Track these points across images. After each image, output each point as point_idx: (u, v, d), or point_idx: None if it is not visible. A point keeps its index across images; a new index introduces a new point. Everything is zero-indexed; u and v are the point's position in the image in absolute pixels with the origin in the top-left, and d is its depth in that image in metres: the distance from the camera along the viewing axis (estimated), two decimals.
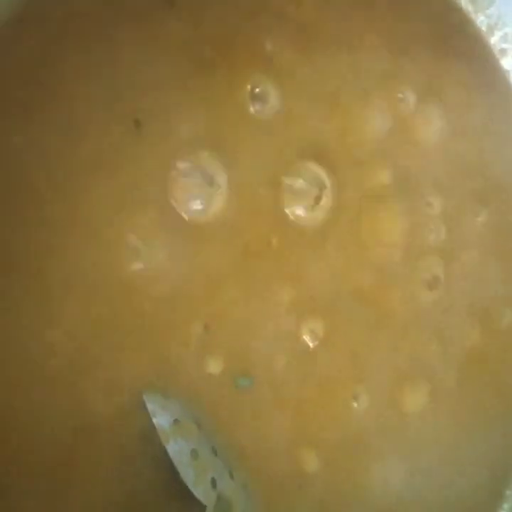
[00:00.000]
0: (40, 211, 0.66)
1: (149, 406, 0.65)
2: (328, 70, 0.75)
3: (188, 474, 0.64)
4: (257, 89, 0.72)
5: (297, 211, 0.74)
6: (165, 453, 0.64)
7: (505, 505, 0.82)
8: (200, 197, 0.70)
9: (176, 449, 0.64)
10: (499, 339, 0.82)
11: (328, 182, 0.74)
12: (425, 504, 0.78)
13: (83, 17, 0.66)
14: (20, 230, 0.66)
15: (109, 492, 0.66)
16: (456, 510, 0.80)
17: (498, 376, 0.82)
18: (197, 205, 0.70)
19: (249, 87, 0.72)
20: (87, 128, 0.66)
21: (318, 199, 0.74)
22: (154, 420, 0.64)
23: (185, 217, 0.69)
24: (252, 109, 0.72)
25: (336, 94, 0.76)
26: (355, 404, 0.76)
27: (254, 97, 0.71)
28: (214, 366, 0.70)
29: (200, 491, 0.64)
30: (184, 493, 0.64)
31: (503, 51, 0.85)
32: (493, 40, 0.84)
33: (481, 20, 0.84)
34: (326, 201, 0.74)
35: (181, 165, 0.69)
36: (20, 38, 0.64)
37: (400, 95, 0.79)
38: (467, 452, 0.80)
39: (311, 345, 0.74)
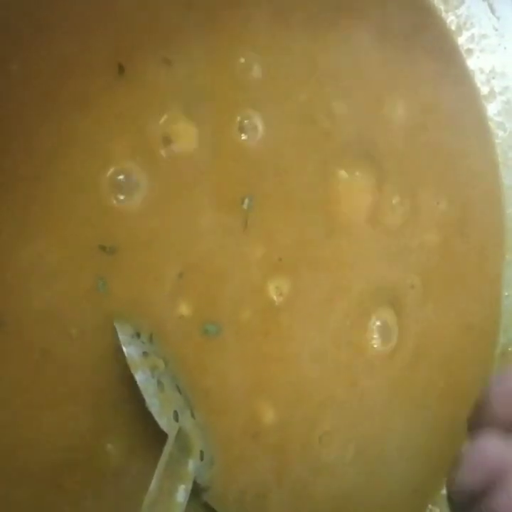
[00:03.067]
0: (28, 141, 0.68)
1: (120, 335, 0.68)
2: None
3: (153, 404, 0.68)
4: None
5: None
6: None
7: None
8: None
9: (144, 379, 0.68)
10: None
11: None
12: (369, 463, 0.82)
13: None
14: (7, 158, 0.67)
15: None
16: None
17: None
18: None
19: None
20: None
21: None
22: (124, 349, 0.68)
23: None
24: None
25: None
26: (312, 364, 0.79)
27: None
28: (184, 309, 0.74)
29: (164, 421, 0.68)
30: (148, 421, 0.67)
31: (470, 51, 0.92)
32: (461, 40, 0.92)
33: (450, 20, 0.90)
34: None
35: None
36: None
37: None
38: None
39: (276, 300, 0.77)
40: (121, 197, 0.72)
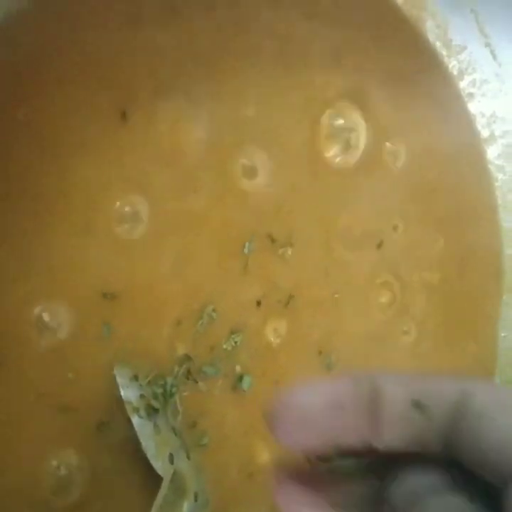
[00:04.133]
0: (34, 185, 0.70)
1: (119, 379, 0.69)
2: None
3: (149, 447, 0.69)
4: None
5: None
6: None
7: None
8: None
9: (140, 422, 0.69)
10: None
11: None
12: None
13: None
14: (12, 201, 0.69)
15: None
16: None
17: None
18: None
19: None
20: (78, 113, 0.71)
21: None
22: (122, 392, 0.69)
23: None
24: None
25: None
26: None
27: None
28: (183, 352, 0.76)
29: (159, 464, 0.69)
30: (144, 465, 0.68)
31: (471, 95, 0.94)
32: (462, 84, 0.94)
33: (452, 65, 0.92)
34: None
35: None
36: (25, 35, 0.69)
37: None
38: None
39: (273, 342, 0.79)
40: (123, 238, 0.73)
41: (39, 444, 0.72)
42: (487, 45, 0.92)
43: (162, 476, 0.70)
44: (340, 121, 0.85)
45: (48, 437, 0.72)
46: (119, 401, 0.71)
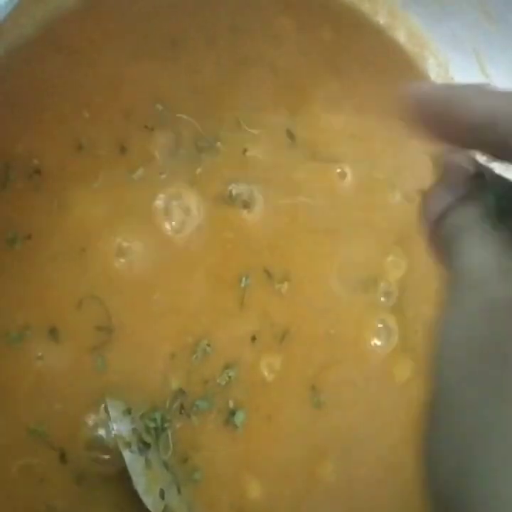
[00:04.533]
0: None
1: (111, 412, 0.70)
2: None
3: (140, 482, 0.69)
4: None
5: None
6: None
7: None
8: None
9: (132, 457, 0.69)
10: None
11: None
12: None
13: None
14: None
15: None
16: None
17: None
18: None
19: None
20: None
21: None
22: (114, 426, 0.69)
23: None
24: None
25: None
26: (300, 442, 0.80)
27: None
28: (176, 386, 0.75)
29: (150, 500, 0.69)
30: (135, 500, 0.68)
31: None
32: None
33: None
34: None
35: None
36: None
37: None
38: None
39: (267, 377, 0.79)
40: (119, 271, 0.74)
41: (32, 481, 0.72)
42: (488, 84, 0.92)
43: (152, 511, 0.70)
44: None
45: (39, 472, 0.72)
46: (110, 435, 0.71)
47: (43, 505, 0.72)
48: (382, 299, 0.87)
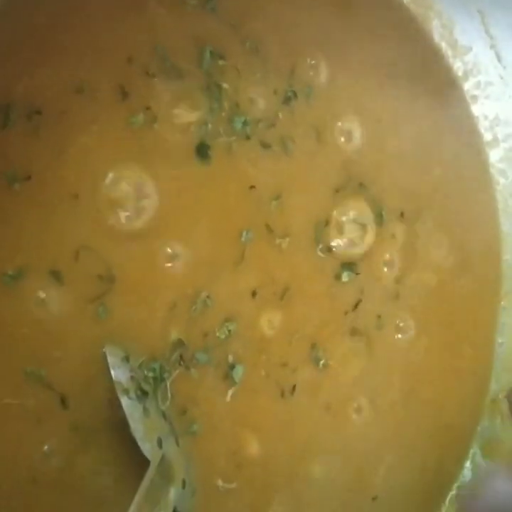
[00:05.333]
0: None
1: (110, 359, 0.70)
2: None
3: (137, 429, 0.70)
4: None
5: None
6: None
7: None
8: None
9: (130, 404, 0.69)
10: None
11: None
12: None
13: None
14: None
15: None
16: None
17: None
18: None
19: None
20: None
21: None
22: (112, 372, 0.70)
23: None
24: None
25: None
26: (300, 399, 0.80)
27: None
28: (176, 337, 0.76)
29: (147, 447, 0.69)
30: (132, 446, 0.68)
31: (474, 98, 0.95)
32: (466, 85, 0.94)
33: (457, 66, 0.92)
34: None
35: None
36: None
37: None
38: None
39: (267, 333, 0.79)
40: (123, 219, 0.74)
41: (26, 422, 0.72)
42: (492, 46, 0.93)
43: (150, 459, 0.70)
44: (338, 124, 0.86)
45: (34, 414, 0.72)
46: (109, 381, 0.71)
47: (39, 446, 0.72)
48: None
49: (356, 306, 0.86)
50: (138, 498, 0.67)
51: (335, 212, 0.84)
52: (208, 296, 0.78)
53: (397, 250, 0.89)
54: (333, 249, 0.84)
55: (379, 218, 0.87)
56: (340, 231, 0.85)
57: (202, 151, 0.78)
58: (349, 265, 0.85)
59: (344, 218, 0.85)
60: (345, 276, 0.85)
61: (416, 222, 0.90)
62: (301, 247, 0.83)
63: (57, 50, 0.71)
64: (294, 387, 0.82)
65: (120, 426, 0.72)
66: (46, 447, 0.73)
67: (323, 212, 0.85)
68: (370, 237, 0.87)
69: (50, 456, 0.73)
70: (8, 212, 0.70)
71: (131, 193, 0.75)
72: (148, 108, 0.76)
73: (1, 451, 0.72)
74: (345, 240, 0.85)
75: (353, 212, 0.86)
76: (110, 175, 0.74)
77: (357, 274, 0.85)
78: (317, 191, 0.85)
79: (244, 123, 0.79)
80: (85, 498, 0.73)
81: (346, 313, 0.86)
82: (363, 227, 0.86)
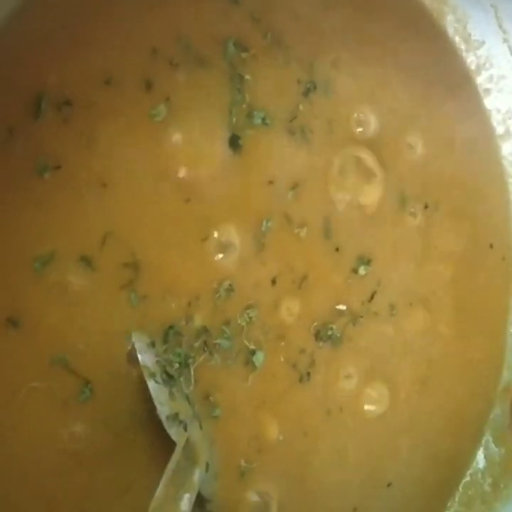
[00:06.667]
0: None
1: (137, 344, 0.72)
2: None
3: (164, 411, 0.72)
4: None
5: None
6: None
7: None
8: None
9: (156, 387, 0.72)
10: None
11: None
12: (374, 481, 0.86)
13: None
14: None
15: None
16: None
17: None
18: None
19: None
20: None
21: None
22: (139, 357, 0.73)
23: None
24: None
25: None
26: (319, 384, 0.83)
27: None
28: (199, 324, 0.79)
29: (173, 430, 0.72)
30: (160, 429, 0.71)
31: (487, 91, 0.97)
32: (479, 79, 0.97)
33: (470, 60, 0.95)
34: None
35: None
36: None
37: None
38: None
39: (286, 320, 0.81)
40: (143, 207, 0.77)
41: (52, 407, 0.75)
42: (505, 40, 0.95)
43: (175, 441, 0.72)
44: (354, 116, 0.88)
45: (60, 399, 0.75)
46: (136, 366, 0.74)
47: (66, 429, 0.74)
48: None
49: (372, 297, 0.88)
50: (164, 479, 0.70)
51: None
52: (230, 285, 0.80)
53: (413, 242, 0.92)
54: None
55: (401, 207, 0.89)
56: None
57: (234, 141, 0.80)
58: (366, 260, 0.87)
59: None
60: (362, 270, 0.87)
61: (431, 213, 0.92)
62: (317, 237, 0.85)
63: (86, 42, 0.74)
64: (308, 373, 0.84)
65: (145, 409, 0.74)
66: (73, 430, 0.75)
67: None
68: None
69: (77, 438, 0.75)
70: (38, 199, 0.73)
71: (155, 182, 0.77)
72: (167, 99, 0.78)
73: (28, 434, 0.74)
74: None
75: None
76: (137, 164, 0.76)
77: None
78: (333, 181, 0.87)
79: (264, 118, 0.82)
80: (113, 479, 0.76)
81: (362, 303, 0.88)
82: None
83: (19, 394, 0.73)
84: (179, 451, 0.72)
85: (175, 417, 0.74)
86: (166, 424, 0.73)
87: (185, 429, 0.74)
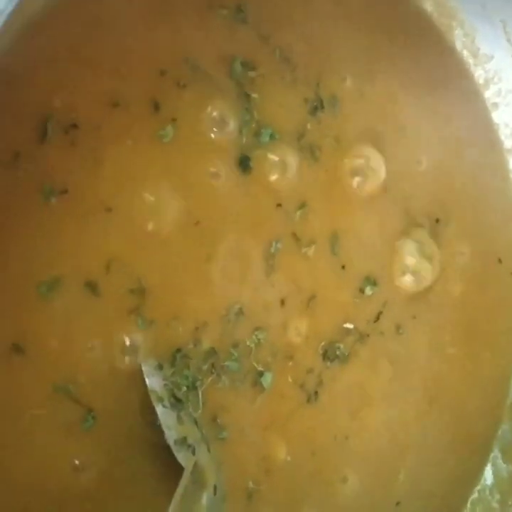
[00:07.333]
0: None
1: (144, 368, 0.71)
2: None
3: (171, 436, 0.71)
4: None
5: None
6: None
7: None
8: None
9: (164, 411, 0.71)
10: None
11: None
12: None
13: None
14: None
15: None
16: None
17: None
18: None
19: None
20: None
21: None
22: (147, 381, 0.72)
23: None
24: None
25: None
26: (326, 404, 0.83)
27: None
28: (207, 346, 0.79)
29: (181, 454, 0.71)
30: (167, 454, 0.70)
31: (495, 105, 0.97)
32: (488, 93, 0.96)
33: (478, 74, 0.94)
34: None
35: None
36: None
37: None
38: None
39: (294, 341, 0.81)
40: (154, 231, 0.76)
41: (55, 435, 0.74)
42: None
43: (184, 466, 0.72)
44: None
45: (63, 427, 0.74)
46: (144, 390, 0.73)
47: (70, 459, 0.74)
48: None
49: (378, 317, 0.88)
50: (173, 505, 0.69)
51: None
52: (239, 308, 0.80)
53: (421, 259, 0.91)
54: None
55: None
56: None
57: (244, 162, 0.79)
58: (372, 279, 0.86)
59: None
60: (368, 290, 0.86)
61: (439, 228, 0.91)
62: (324, 255, 0.85)
63: (93, 64, 0.73)
64: (316, 392, 0.84)
65: (153, 435, 0.74)
66: (77, 460, 0.74)
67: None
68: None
69: (83, 468, 0.74)
70: (44, 224, 0.72)
71: (162, 205, 0.76)
72: (174, 119, 0.77)
73: (31, 463, 0.73)
74: None
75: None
76: (143, 188, 0.76)
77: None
78: (340, 200, 0.86)
79: (272, 134, 0.81)
80: (120, 509, 0.75)
81: (368, 322, 0.87)
82: None
83: (21, 421, 0.72)
84: (187, 476, 0.72)
85: (183, 441, 0.73)
86: (174, 449, 0.72)
87: (194, 453, 0.74)
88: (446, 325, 0.92)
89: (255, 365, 0.81)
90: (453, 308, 0.92)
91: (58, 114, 0.72)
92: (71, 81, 0.73)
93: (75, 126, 0.73)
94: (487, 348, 0.96)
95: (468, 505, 0.96)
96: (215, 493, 0.76)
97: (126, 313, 0.75)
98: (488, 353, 0.96)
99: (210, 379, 0.79)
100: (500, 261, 0.96)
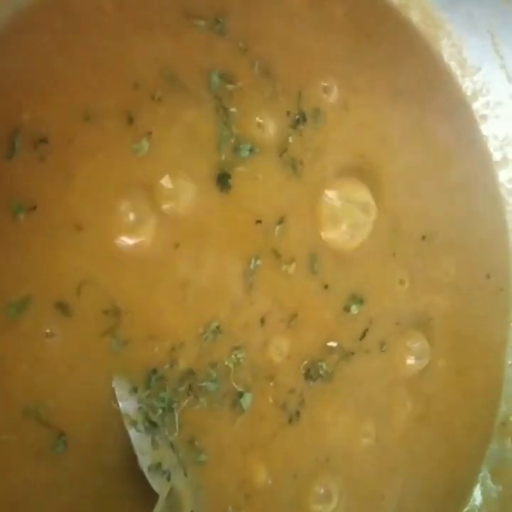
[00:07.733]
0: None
1: (118, 391, 0.69)
2: None
3: (145, 461, 0.69)
4: None
5: None
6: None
7: None
8: None
9: (138, 436, 0.69)
10: None
11: None
12: None
13: None
14: None
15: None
16: None
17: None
18: None
19: None
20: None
21: None
22: (120, 404, 0.69)
23: None
24: None
25: None
26: (308, 426, 0.80)
27: None
28: (183, 367, 0.76)
29: (155, 480, 0.68)
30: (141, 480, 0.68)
31: (484, 117, 0.95)
32: (476, 105, 0.94)
33: (466, 85, 0.92)
34: None
35: None
36: None
37: None
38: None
39: (274, 360, 0.78)
40: (127, 249, 0.73)
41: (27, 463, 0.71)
42: (502, 66, 0.93)
43: (158, 492, 0.69)
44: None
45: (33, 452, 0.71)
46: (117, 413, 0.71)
47: (40, 485, 0.71)
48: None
49: (364, 335, 0.85)
50: None
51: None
52: (217, 327, 0.77)
53: (408, 274, 0.88)
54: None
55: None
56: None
57: (222, 180, 0.77)
58: (358, 298, 0.84)
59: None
60: (354, 309, 0.84)
61: (426, 244, 0.89)
62: (305, 273, 0.82)
63: (64, 76, 0.71)
64: (297, 413, 0.81)
65: (125, 460, 0.71)
66: (48, 484, 0.71)
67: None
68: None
69: (53, 493, 0.71)
70: (12, 242, 0.70)
71: (136, 222, 0.74)
72: (150, 133, 0.75)
73: (2, 487, 0.70)
74: None
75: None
76: (116, 204, 0.73)
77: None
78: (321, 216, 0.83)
79: (251, 149, 0.78)
80: None
81: (354, 340, 0.85)
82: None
83: None
84: (161, 503, 0.69)
85: (157, 466, 0.71)
86: (148, 475, 0.70)
87: (169, 479, 0.71)
88: (435, 340, 0.89)
89: (234, 385, 0.78)
90: (442, 323, 0.90)
91: (27, 128, 0.70)
92: (40, 94, 0.70)
93: (44, 140, 0.70)
94: (477, 363, 0.94)
95: None
96: None
97: (99, 336, 0.72)
98: (478, 369, 0.94)
99: (187, 401, 0.76)
100: (488, 276, 0.94)
